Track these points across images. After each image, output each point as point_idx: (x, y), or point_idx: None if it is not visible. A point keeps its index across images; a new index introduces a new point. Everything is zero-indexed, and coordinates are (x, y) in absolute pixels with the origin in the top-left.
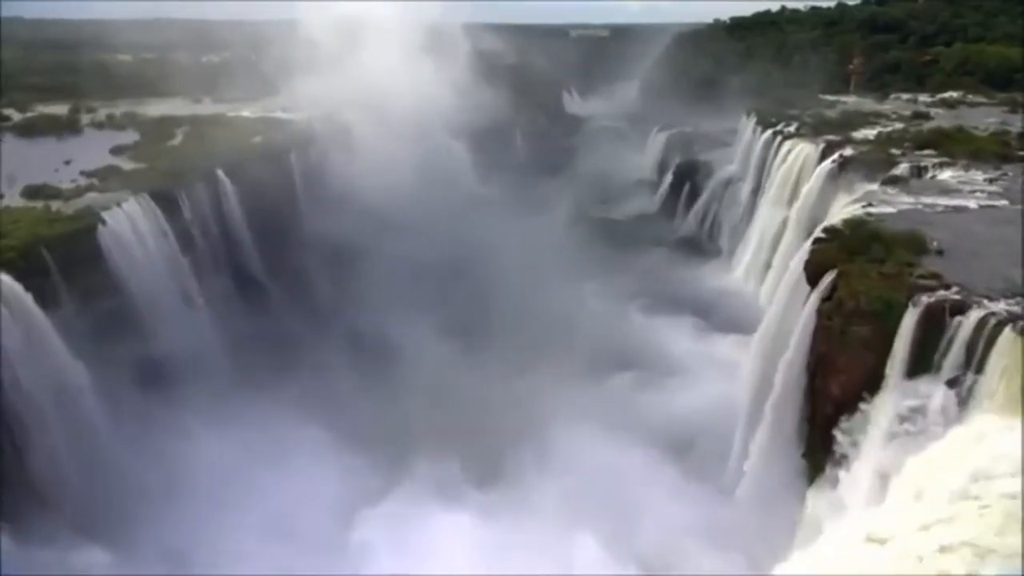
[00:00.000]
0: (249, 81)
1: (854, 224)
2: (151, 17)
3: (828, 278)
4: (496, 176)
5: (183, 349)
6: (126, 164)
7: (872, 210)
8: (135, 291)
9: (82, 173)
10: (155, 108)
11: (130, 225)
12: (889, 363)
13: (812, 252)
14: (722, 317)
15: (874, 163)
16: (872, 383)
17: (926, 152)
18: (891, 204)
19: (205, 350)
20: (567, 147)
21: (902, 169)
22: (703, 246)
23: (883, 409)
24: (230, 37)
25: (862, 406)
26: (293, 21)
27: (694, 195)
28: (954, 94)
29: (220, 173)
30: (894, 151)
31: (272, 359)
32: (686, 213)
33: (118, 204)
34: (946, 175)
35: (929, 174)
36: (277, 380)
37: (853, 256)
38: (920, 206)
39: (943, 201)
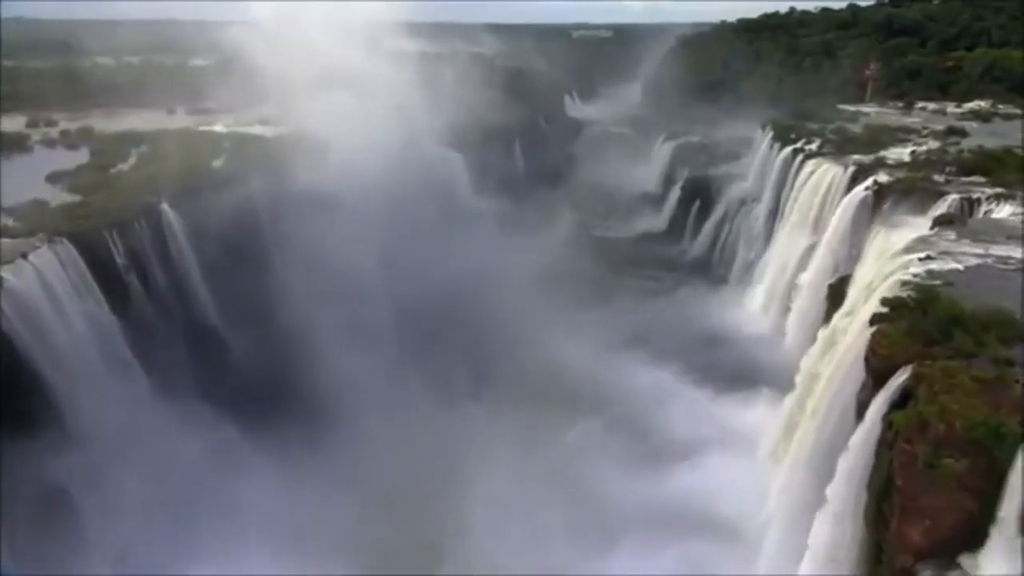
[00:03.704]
0: (231, 89)
1: (923, 296)
2: (155, 18)
3: (900, 378)
4: (493, 188)
5: (116, 438)
6: (58, 196)
7: (934, 266)
8: (45, 371)
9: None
10: (122, 121)
11: (39, 282)
12: (999, 511)
13: (875, 337)
14: (738, 363)
15: (915, 193)
16: (972, 534)
17: (975, 179)
18: (954, 256)
19: (146, 433)
20: (568, 155)
21: (951, 203)
22: (715, 272)
23: (989, 570)
24: (224, 38)
25: (959, 561)
26: (287, 22)
27: (704, 214)
28: (983, 104)
29: (165, 207)
30: (936, 178)
31: (230, 433)
32: (696, 234)
33: (24, 255)
34: (1005, 212)
35: (983, 209)
36: (238, 462)
37: (930, 345)
38: (991, 260)
39: (1016, 252)
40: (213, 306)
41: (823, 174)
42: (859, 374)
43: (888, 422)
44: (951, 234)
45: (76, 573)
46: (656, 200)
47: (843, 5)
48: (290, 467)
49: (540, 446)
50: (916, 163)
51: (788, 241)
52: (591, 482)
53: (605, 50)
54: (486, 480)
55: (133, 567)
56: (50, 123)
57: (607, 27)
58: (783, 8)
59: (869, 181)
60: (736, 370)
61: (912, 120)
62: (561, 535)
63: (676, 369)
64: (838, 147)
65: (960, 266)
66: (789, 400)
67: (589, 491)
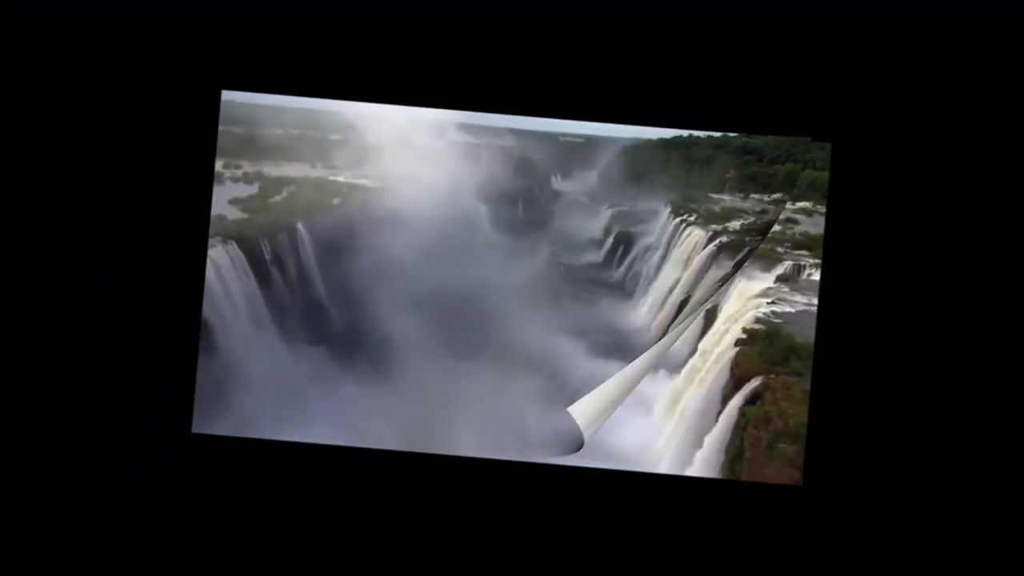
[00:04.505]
0: (348, 154)
1: (769, 329)
2: (305, 107)
3: (753, 385)
4: (504, 229)
5: (252, 362)
6: (233, 213)
7: (776, 308)
8: (214, 325)
9: None
10: (282, 169)
11: (214, 269)
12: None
13: (737, 355)
14: (634, 346)
15: (764, 258)
16: None
17: (802, 252)
18: (788, 303)
19: (271, 361)
20: (551, 211)
21: (787, 267)
22: (626, 290)
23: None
24: (345, 122)
25: None
26: (382, 116)
27: (625, 254)
28: (808, 204)
29: (299, 225)
30: (779, 249)
31: (326, 364)
32: (618, 266)
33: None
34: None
35: (806, 273)
36: (330, 379)
37: (774, 365)
38: (811, 307)
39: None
40: (323, 288)
41: (693, 236)
42: (725, 375)
43: (743, 412)
44: (786, 288)
45: (221, 434)
46: (598, 243)
47: (718, 134)
48: (362, 386)
49: (506, 388)
50: (766, 238)
51: (667, 274)
52: (533, 416)
53: (578, 149)
54: (470, 408)
55: (253, 434)
56: (236, 167)
57: (581, 135)
58: (684, 133)
59: (717, 241)
60: (629, 350)
61: (746, 205)
62: (513, 445)
63: (587, 344)
64: (705, 219)
65: (792, 310)
66: (677, 381)
67: (530, 422)
